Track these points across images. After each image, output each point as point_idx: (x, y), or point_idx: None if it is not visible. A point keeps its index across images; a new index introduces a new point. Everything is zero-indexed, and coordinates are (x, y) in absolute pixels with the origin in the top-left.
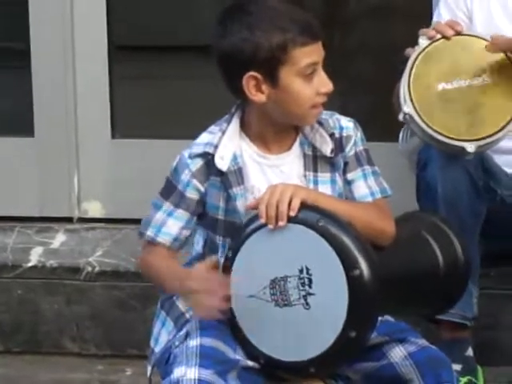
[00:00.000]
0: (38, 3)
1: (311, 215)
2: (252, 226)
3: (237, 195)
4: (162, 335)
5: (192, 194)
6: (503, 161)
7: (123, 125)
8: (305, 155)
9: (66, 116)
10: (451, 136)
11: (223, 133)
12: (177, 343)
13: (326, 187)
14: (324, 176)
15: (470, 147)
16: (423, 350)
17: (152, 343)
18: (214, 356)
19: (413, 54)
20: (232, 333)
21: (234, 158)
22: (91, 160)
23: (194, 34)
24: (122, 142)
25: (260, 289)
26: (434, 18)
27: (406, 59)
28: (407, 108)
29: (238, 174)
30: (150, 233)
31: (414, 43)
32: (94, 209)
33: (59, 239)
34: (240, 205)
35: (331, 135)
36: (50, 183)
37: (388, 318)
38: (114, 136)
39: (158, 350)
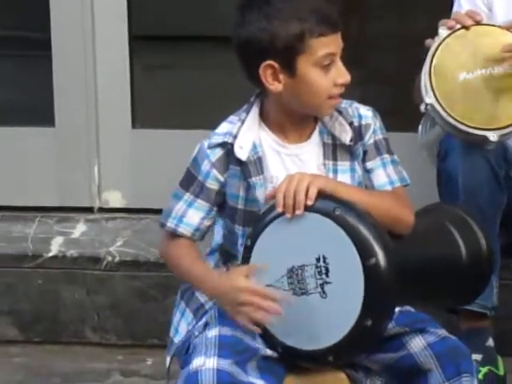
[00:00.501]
0: None
1: (328, 204)
2: (270, 216)
3: (256, 184)
4: (181, 325)
5: (212, 185)
6: None
7: (144, 115)
8: (324, 144)
9: (87, 106)
10: (474, 125)
11: (242, 122)
12: (196, 333)
13: (345, 176)
14: (343, 164)
15: (493, 136)
16: (443, 340)
17: (172, 333)
18: (232, 346)
19: (433, 44)
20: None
21: (254, 147)
22: (111, 150)
23: (214, 24)
24: (142, 131)
25: (278, 278)
26: (455, 8)
27: (427, 50)
28: (429, 99)
29: (258, 163)
30: (170, 224)
31: (435, 34)
32: (114, 199)
33: (80, 229)
34: (260, 194)
35: (350, 124)
36: (71, 173)
37: (408, 308)
38: (134, 126)
39: (177, 340)
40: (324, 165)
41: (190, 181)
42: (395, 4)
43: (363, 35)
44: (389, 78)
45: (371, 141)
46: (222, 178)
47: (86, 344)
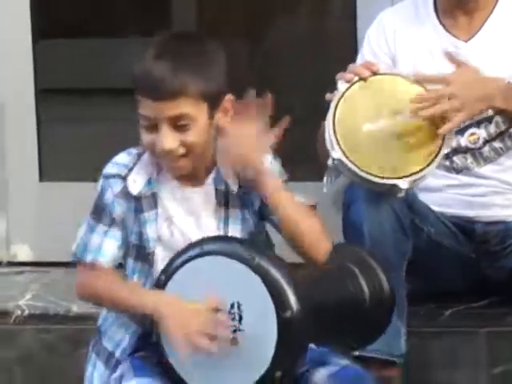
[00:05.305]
0: None
1: (247, 251)
2: (188, 254)
3: (147, 220)
4: (94, 379)
5: (118, 215)
6: (428, 198)
7: (51, 167)
8: (217, 190)
9: None
10: (383, 175)
11: (139, 156)
12: None
13: (236, 224)
14: (234, 212)
15: (403, 184)
16: (345, 369)
17: None
18: None
19: (333, 99)
20: (161, 365)
21: (149, 182)
22: (19, 203)
23: (120, 76)
24: (49, 184)
25: None
26: (358, 59)
27: (328, 104)
28: (336, 153)
29: (151, 198)
30: (89, 258)
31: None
32: (22, 252)
33: None
34: (150, 230)
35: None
36: None
37: None
38: (41, 179)
39: None
40: (216, 211)
41: (100, 212)
42: (305, 48)
43: (272, 81)
44: (297, 126)
45: None
46: (125, 208)
47: None
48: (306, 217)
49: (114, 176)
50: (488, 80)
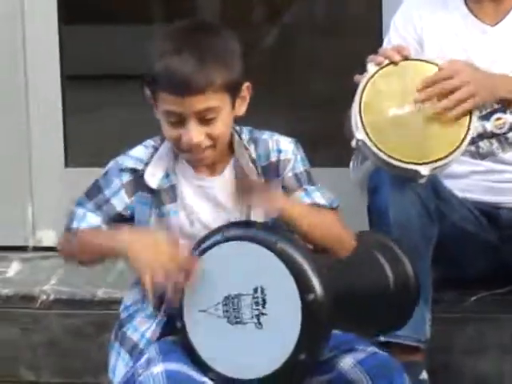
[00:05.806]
0: None
1: (269, 236)
2: (211, 240)
3: (170, 212)
4: (118, 366)
5: (116, 204)
6: (453, 184)
7: (76, 153)
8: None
9: (20, 145)
10: (405, 160)
11: (156, 149)
12: (140, 371)
13: (258, 211)
14: None
15: (424, 170)
16: (373, 356)
17: (110, 375)
18: (181, 381)
19: (362, 80)
20: (183, 347)
21: (167, 175)
22: (45, 189)
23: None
24: (75, 170)
25: (213, 304)
26: (384, 45)
27: (357, 86)
28: (360, 135)
29: (171, 191)
30: (74, 225)
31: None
32: (48, 237)
33: (14, 268)
34: (173, 221)
35: (253, 161)
36: (5, 212)
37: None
38: (67, 165)
39: (116, 381)
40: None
41: (96, 193)
42: (333, 29)
43: (296, 68)
44: (322, 112)
45: (290, 174)
46: (128, 201)
47: (22, 383)
48: (324, 225)
49: (129, 170)
50: (486, 73)
